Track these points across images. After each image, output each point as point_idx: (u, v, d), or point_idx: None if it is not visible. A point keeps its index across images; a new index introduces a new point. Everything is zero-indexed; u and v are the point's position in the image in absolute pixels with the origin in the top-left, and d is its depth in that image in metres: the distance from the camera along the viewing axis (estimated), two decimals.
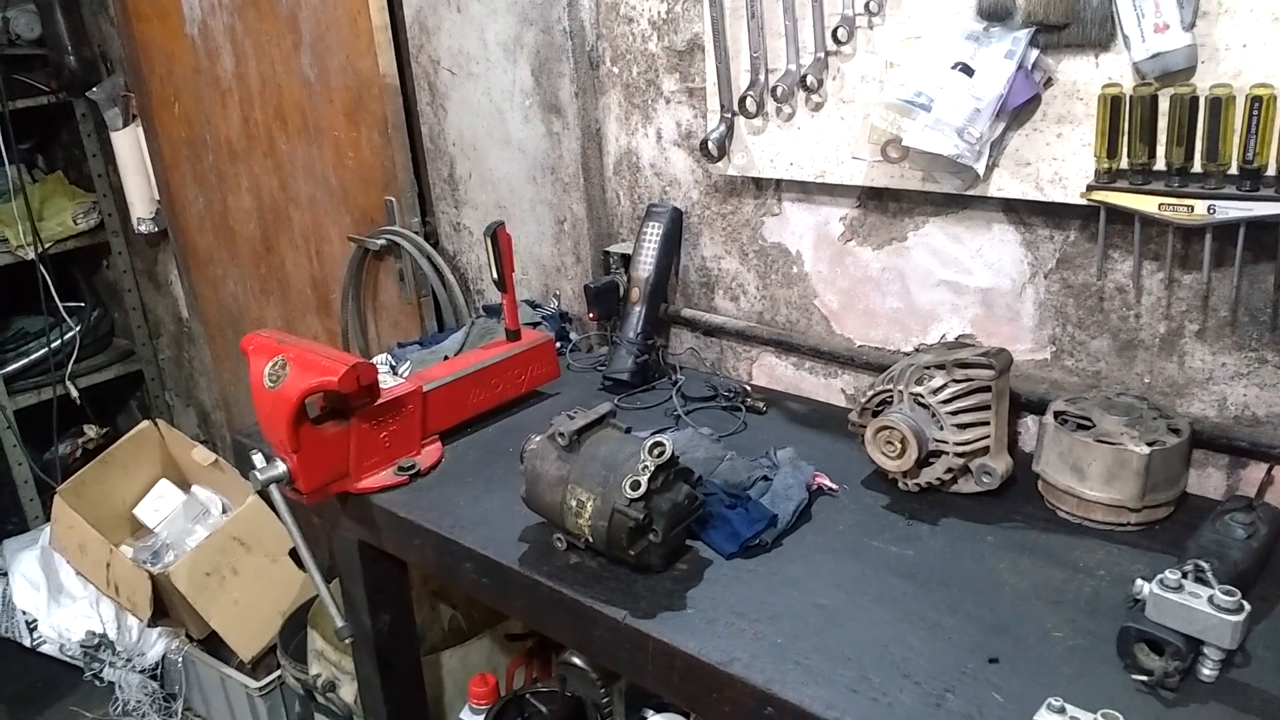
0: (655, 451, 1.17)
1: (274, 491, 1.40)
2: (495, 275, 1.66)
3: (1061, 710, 0.88)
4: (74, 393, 3.50)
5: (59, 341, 3.48)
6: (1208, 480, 1.32)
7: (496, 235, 1.63)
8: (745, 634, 1.09)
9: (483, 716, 1.57)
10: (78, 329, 3.54)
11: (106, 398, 3.82)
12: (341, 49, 2.25)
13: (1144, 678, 0.96)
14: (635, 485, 1.15)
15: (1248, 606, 0.95)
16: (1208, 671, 0.97)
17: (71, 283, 3.63)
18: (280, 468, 1.39)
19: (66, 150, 3.68)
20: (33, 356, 3.47)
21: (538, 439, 1.28)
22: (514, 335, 1.72)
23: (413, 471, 1.48)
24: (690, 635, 1.10)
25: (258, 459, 1.39)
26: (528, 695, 1.58)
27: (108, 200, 3.53)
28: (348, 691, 1.98)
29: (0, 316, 3.49)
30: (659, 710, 1.43)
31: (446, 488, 1.46)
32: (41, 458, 3.53)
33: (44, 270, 3.36)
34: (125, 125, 3.14)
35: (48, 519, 3.25)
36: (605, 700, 1.52)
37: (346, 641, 1.49)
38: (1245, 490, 1.29)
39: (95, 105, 3.25)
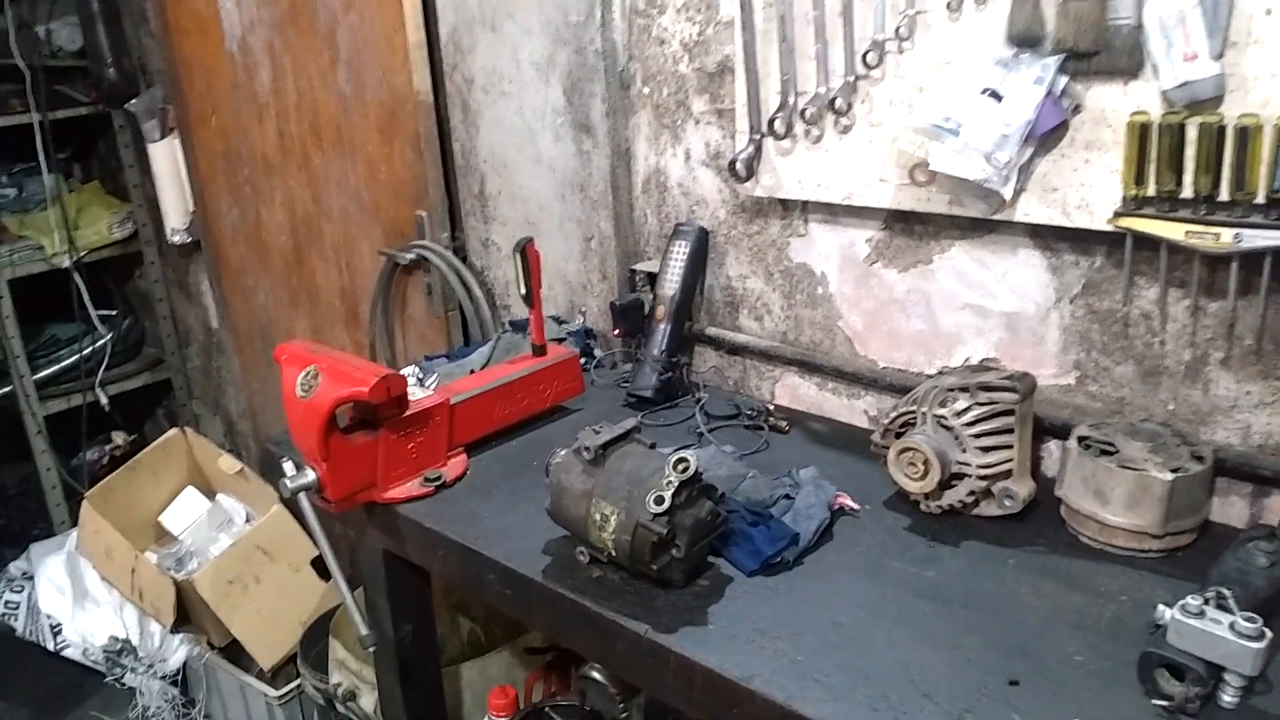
0: (679, 467, 1.18)
1: (303, 499, 1.42)
2: (523, 291, 1.68)
3: None
4: (104, 400, 3.55)
5: (90, 349, 3.54)
6: (1231, 508, 1.32)
7: (525, 251, 1.65)
8: (766, 650, 1.10)
9: None
10: (109, 336, 3.60)
11: (134, 405, 3.88)
12: (377, 66, 2.29)
13: (1165, 703, 0.96)
14: (659, 500, 1.16)
15: (1269, 633, 0.95)
16: (1229, 698, 0.96)
17: (104, 291, 3.69)
18: (310, 476, 1.41)
19: (103, 160, 3.76)
20: (64, 363, 3.52)
21: (563, 453, 1.30)
22: (540, 350, 1.74)
23: (438, 483, 1.50)
24: (711, 651, 1.10)
25: (288, 467, 1.42)
26: (547, 709, 1.59)
27: (142, 210, 3.60)
28: (368, 701, 1.99)
29: (33, 322, 3.54)
30: None
31: (472, 499, 1.48)
32: (69, 463, 3.58)
33: (78, 278, 3.42)
34: (163, 137, 3.19)
35: (74, 524, 3.29)
36: (624, 715, 1.53)
37: (369, 650, 1.50)
38: (1268, 519, 1.29)
39: (133, 116, 3.31)
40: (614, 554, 1.21)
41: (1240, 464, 1.28)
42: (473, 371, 1.83)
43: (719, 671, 1.07)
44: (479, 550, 1.35)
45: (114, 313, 3.69)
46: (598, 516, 1.21)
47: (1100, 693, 1.00)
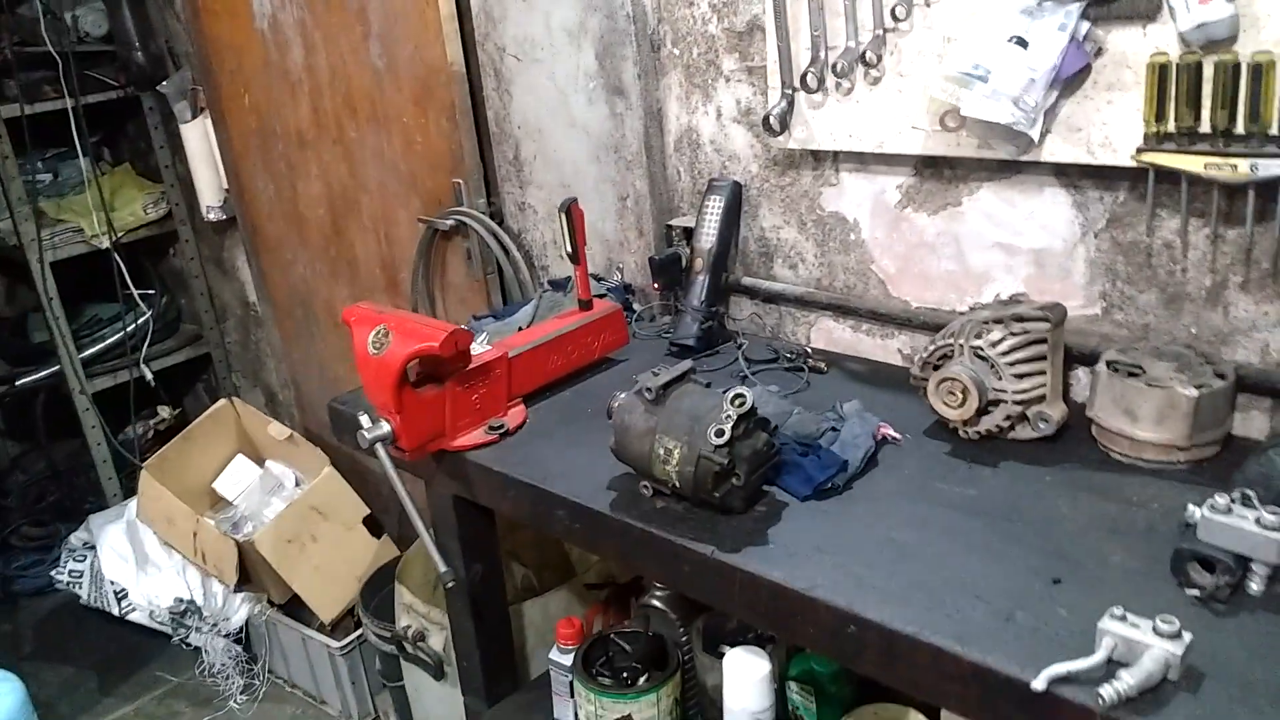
0: (736, 402, 1.27)
1: (380, 449, 1.52)
2: (569, 249, 1.76)
3: (1123, 618, 0.97)
4: (149, 375, 3.65)
5: (132, 326, 3.64)
6: (1251, 422, 1.40)
7: (570, 211, 1.73)
8: (825, 564, 1.19)
9: (571, 655, 1.69)
10: (150, 314, 3.69)
11: (174, 380, 3.98)
12: (409, 39, 2.36)
13: (1197, 592, 1.06)
14: (719, 433, 1.25)
15: None
16: (1256, 586, 1.05)
17: (139, 270, 3.78)
18: (385, 428, 1.50)
19: (132, 142, 3.83)
20: (108, 341, 3.62)
21: (624, 395, 1.39)
22: (586, 305, 1.83)
23: (502, 430, 1.59)
24: (774, 566, 1.20)
25: (365, 420, 1.51)
26: (612, 635, 1.69)
27: (175, 190, 3.67)
28: (437, 640, 2.11)
29: (73, 304, 3.63)
30: (734, 645, 1.54)
31: (534, 445, 1.57)
32: (116, 438, 3.69)
33: (118, 258, 3.51)
34: (194, 118, 3.26)
35: (126, 496, 3.42)
36: (684, 638, 1.63)
37: (447, 587, 1.61)
38: None
39: (162, 98, 3.38)
40: (677, 485, 1.31)
41: (1260, 380, 1.36)
42: (520, 329, 1.92)
43: (783, 584, 1.17)
44: (548, 489, 1.44)
45: (151, 291, 3.79)
46: (661, 451, 1.31)
47: (1138, 587, 1.09)
